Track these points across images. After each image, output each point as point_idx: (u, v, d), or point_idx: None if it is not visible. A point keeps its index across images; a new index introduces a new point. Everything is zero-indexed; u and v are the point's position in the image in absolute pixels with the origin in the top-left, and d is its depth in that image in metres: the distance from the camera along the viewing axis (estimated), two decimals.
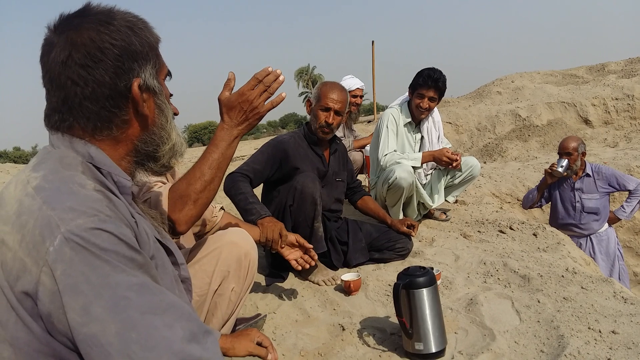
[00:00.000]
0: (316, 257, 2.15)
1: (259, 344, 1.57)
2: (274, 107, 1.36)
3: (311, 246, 2.14)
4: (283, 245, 2.06)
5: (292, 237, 2.13)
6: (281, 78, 1.33)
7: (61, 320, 0.75)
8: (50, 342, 0.78)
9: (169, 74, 1.03)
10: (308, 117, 2.87)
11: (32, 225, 0.77)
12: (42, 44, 0.91)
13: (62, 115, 0.90)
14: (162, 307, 0.79)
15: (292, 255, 2.13)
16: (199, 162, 1.34)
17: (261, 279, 2.72)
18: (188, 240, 1.84)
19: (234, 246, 1.65)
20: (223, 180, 2.47)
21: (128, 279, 0.76)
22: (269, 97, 1.33)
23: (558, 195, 4.13)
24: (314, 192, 2.51)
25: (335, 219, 2.93)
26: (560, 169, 3.90)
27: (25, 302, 0.77)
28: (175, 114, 1.81)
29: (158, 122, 0.98)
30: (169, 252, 1.01)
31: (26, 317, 0.77)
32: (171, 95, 1.78)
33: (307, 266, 2.12)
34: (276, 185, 2.72)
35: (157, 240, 0.97)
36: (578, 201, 4.00)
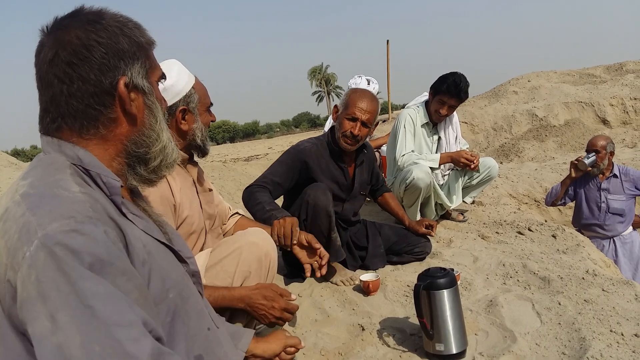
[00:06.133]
0: (325, 260, 1.98)
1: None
2: (271, 321, 1.64)
3: (319, 246, 1.98)
4: (295, 241, 1.97)
5: (303, 236, 2.00)
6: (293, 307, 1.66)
7: (28, 329, 0.72)
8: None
9: (163, 76, 1.03)
10: (325, 121, 2.78)
11: (13, 231, 0.77)
12: (37, 46, 0.92)
13: (50, 115, 0.91)
14: (130, 319, 0.74)
15: (306, 258, 2.00)
16: (218, 289, 1.60)
17: (280, 279, 2.74)
18: (216, 238, 1.87)
19: (254, 246, 1.67)
20: (242, 193, 2.47)
21: (96, 287, 0.73)
22: (284, 317, 1.62)
23: (583, 195, 4.09)
24: (327, 204, 2.43)
25: (352, 224, 2.91)
26: (586, 161, 3.86)
27: (12, 310, 0.75)
28: (212, 120, 1.83)
29: (147, 122, 0.97)
30: (173, 251, 1.01)
31: (16, 325, 0.76)
32: (211, 104, 1.81)
33: (318, 274, 1.97)
34: (290, 197, 2.64)
35: (157, 240, 0.96)
36: (604, 201, 3.96)
